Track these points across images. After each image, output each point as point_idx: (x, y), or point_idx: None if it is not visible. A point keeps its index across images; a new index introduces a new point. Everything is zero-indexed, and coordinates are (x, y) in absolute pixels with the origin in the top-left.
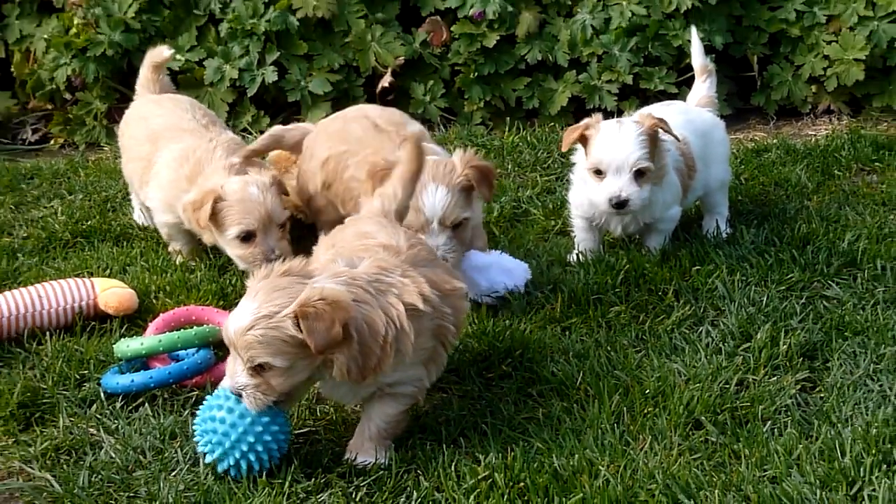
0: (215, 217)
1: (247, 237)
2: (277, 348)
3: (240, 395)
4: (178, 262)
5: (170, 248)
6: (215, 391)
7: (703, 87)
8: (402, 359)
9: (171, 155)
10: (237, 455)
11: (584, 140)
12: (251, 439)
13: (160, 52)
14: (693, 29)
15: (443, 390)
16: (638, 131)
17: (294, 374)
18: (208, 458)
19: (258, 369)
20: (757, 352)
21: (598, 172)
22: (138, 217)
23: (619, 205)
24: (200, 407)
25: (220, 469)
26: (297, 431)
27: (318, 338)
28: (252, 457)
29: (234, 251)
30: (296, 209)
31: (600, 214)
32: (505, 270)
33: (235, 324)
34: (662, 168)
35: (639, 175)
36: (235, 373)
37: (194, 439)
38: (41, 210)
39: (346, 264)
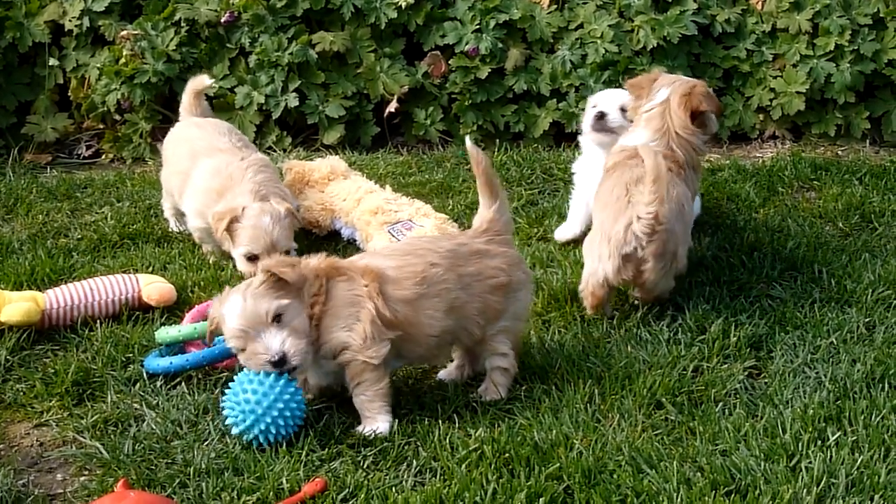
0: (230, 233)
1: (252, 258)
2: (275, 294)
3: (283, 361)
4: (211, 261)
5: (203, 249)
6: (243, 372)
7: None
8: (327, 322)
9: (206, 168)
10: (262, 426)
11: None
12: (275, 413)
13: (202, 81)
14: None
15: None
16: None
17: (300, 312)
18: (235, 431)
19: (279, 318)
20: (710, 343)
21: None
22: (173, 226)
23: None
24: (230, 385)
25: (246, 439)
26: (312, 408)
27: (291, 274)
28: (273, 428)
29: (239, 265)
30: (310, 225)
31: None
32: None
33: (233, 312)
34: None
35: None
36: (268, 341)
37: (223, 413)
38: (93, 215)
39: None
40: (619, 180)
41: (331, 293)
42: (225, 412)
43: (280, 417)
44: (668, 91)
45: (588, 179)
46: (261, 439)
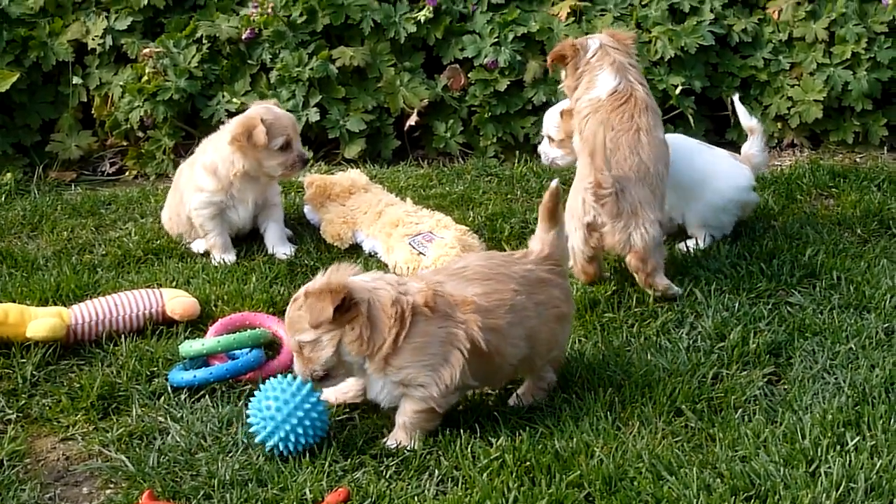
0: (255, 141)
1: (286, 146)
2: (302, 325)
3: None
4: (216, 263)
5: (207, 245)
6: (266, 382)
7: (746, 144)
8: (411, 354)
9: (190, 163)
10: (282, 433)
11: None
12: (294, 421)
13: None
14: (735, 98)
15: None
16: None
17: (321, 349)
18: (259, 438)
19: (299, 347)
20: (730, 350)
21: None
22: (196, 247)
23: None
24: (254, 394)
25: (268, 447)
26: (336, 418)
27: (312, 314)
28: (293, 436)
29: (276, 160)
30: (332, 238)
31: None
32: None
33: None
34: None
35: None
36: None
37: (247, 421)
38: (118, 231)
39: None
40: (586, 161)
41: (416, 327)
42: (249, 419)
43: (300, 425)
44: (597, 38)
45: None
46: (281, 447)
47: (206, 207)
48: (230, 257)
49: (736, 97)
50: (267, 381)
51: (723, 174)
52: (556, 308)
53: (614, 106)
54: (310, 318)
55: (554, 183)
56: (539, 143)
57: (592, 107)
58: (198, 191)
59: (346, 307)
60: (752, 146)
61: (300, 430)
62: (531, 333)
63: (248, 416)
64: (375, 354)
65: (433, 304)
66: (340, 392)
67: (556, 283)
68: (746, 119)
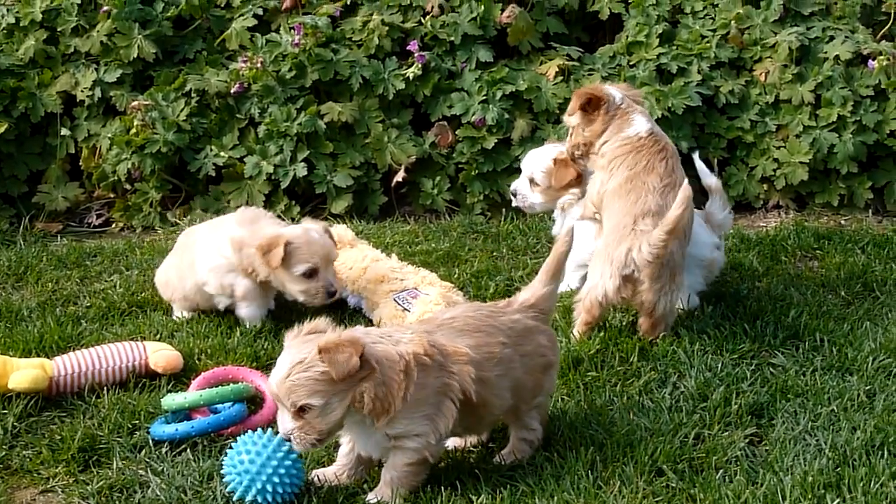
0: (284, 258)
1: (311, 273)
2: (311, 388)
3: (289, 440)
4: (252, 318)
5: (240, 296)
6: (239, 438)
7: (708, 203)
8: (408, 406)
9: (206, 237)
10: (258, 486)
11: None
12: (269, 471)
13: None
14: (695, 155)
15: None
16: None
17: (330, 412)
18: (237, 495)
19: (300, 412)
20: (712, 410)
21: None
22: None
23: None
24: (227, 451)
25: (247, 501)
26: (316, 470)
27: (338, 367)
28: (269, 486)
29: (298, 287)
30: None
31: None
32: None
33: (276, 376)
34: None
35: None
36: (283, 420)
37: (224, 478)
38: (102, 283)
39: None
40: (628, 203)
41: (415, 381)
42: (225, 477)
43: (275, 475)
44: (618, 90)
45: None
46: (259, 501)
47: (224, 287)
48: (262, 312)
49: (695, 154)
50: (239, 436)
51: None
52: (542, 357)
53: (653, 146)
54: (335, 372)
55: (565, 240)
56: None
57: (632, 145)
58: (219, 256)
59: (362, 363)
60: (713, 205)
61: (276, 480)
62: (517, 385)
63: (223, 474)
64: (386, 413)
65: (431, 354)
66: (333, 474)
67: (541, 329)
68: (706, 177)
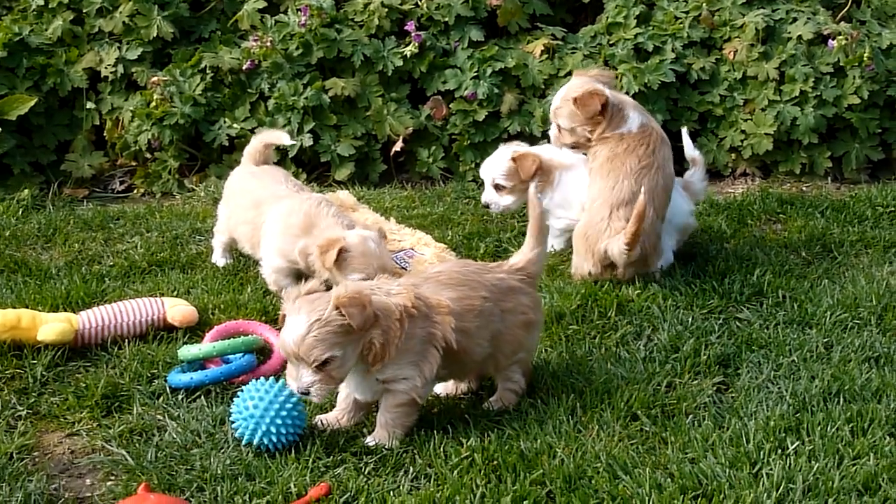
0: (338, 262)
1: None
2: (332, 341)
3: (307, 394)
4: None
5: (272, 288)
6: (244, 387)
7: (688, 173)
8: (398, 353)
9: (280, 212)
10: (262, 429)
11: None
12: (272, 414)
13: (279, 136)
14: (683, 130)
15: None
16: None
17: (347, 362)
18: (245, 440)
19: (323, 365)
20: (683, 361)
21: None
22: (218, 259)
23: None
24: (234, 401)
25: (254, 444)
26: (319, 416)
27: (357, 318)
28: (273, 428)
29: None
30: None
31: None
32: None
33: (293, 335)
34: None
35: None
36: (300, 376)
37: (232, 426)
38: (124, 244)
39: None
40: (606, 188)
41: (407, 331)
42: (232, 422)
43: (278, 418)
44: (598, 78)
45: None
46: (265, 442)
47: (279, 272)
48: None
49: (684, 129)
50: (244, 386)
51: None
52: (523, 315)
53: (640, 140)
54: (356, 323)
55: (534, 198)
56: (482, 194)
57: (627, 140)
58: (274, 255)
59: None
60: (693, 175)
61: (279, 423)
62: (496, 337)
63: (231, 420)
64: (383, 359)
65: (417, 306)
66: (335, 419)
67: (525, 291)
68: (690, 150)
